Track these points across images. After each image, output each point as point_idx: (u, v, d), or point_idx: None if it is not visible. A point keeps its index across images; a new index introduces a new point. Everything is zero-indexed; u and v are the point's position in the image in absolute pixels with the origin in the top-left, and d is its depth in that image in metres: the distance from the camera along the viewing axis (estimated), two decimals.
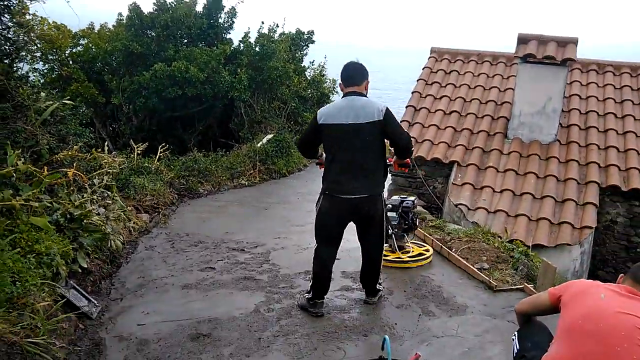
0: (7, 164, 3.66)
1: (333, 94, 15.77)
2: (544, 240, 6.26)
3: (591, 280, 2.59)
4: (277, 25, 12.15)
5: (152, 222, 6.11)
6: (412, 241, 5.35)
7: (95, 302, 3.96)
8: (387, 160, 3.95)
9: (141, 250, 5.26)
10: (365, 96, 3.73)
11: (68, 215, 4.12)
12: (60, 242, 3.83)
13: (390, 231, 4.91)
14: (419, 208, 6.98)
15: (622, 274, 2.56)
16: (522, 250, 5.32)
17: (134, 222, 5.66)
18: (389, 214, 4.78)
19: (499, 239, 5.70)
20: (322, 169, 3.99)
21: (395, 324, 3.85)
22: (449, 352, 3.48)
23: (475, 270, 4.78)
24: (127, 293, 4.27)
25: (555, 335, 2.43)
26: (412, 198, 5.31)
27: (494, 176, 7.27)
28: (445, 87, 8.97)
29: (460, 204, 6.89)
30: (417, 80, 9.26)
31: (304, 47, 14.06)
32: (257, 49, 11.05)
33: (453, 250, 5.35)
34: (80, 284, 4.04)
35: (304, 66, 14.09)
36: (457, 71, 9.27)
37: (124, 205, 5.39)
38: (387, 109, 3.63)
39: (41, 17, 8.20)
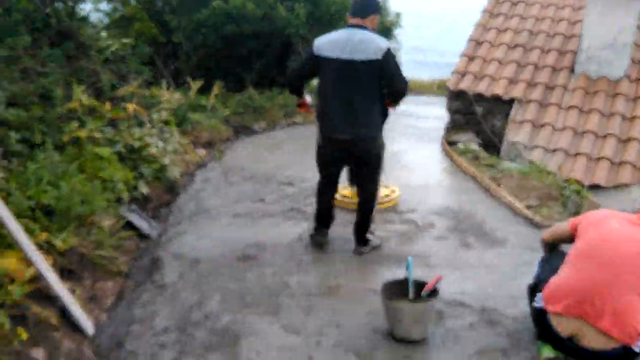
0: (73, 99, 4.00)
1: (397, 27, 15.33)
2: (602, 180, 6.06)
3: (609, 210, 2.63)
4: None
5: (209, 156, 6.46)
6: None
7: (155, 225, 4.36)
8: None
9: (197, 182, 5.61)
10: (368, 30, 3.53)
11: (129, 147, 4.48)
12: (122, 170, 4.20)
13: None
14: (473, 146, 6.93)
15: None
16: (575, 189, 5.21)
17: (190, 156, 6.02)
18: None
19: (552, 176, 5.59)
20: (304, 111, 3.95)
21: (432, 253, 3.99)
22: (481, 279, 3.60)
23: (519, 206, 4.78)
24: (183, 219, 4.64)
25: (566, 259, 2.51)
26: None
27: (555, 113, 7.00)
28: (511, 18, 8.54)
29: (517, 142, 6.74)
30: (482, 12, 8.86)
31: None
32: None
33: (502, 187, 5.34)
34: (141, 209, 4.44)
35: None
36: (524, 1, 8.77)
37: (181, 140, 5.72)
38: (388, 48, 3.44)
39: None
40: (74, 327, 2.93)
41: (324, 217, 4.04)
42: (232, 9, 9.09)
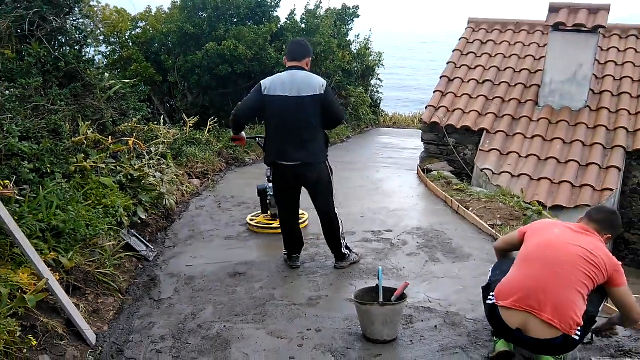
0: (80, 134, 4.44)
1: (379, 66, 16.06)
2: (564, 201, 6.55)
3: (551, 220, 3.08)
4: (320, 2, 12.48)
5: (202, 186, 6.89)
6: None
7: (152, 248, 4.75)
8: None
9: (192, 209, 6.03)
10: (306, 70, 4.03)
11: (129, 177, 4.90)
12: (123, 198, 4.61)
13: (268, 200, 5.19)
14: (445, 173, 7.44)
15: (581, 217, 3.04)
16: (536, 209, 5.69)
17: (186, 186, 6.45)
18: (271, 184, 4.92)
19: (516, 199, 6.07)
20: (240, 144, 4.41)
21: (403, 267, 4.41)
22: (445, 289, 4.02)
23: (484, 225, 5.23)
24: (178, 242, 5.04)
25: (514, 262, 2.95)
26: None
27: (521, 142, 7.55)
28: (480, 56, 9.18)
29: (486, 168, 7.25)
30: (453, 51, 9.50)
31: (349, 22, 14.28)
32: (302, 25, 11.53)
33: (470, 209, 5.80)
34: (139, 234, 4.83)
35: (349, 40, 14.36)
36: (493, 41, 9.44)
37: (177, 171, 6.16)
38: (326, 84, 3.99)
39: (105, 3, 9.10)
40: (78, 336, 3.26)
41: (292, 243, 4.41)
42: (224, 51, 9.68)
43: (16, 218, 3.31)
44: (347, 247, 4.44)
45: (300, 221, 5.06)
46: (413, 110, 18.32)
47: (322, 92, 3.94)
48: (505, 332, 2.89)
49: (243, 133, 4.42)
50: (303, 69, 4.06)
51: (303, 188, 4.25)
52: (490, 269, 3.28)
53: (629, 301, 2.81)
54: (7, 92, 3.85)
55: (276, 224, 5.11)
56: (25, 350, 2.86)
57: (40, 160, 3.85)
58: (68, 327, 3.25)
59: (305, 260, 4.55)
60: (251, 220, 5.42)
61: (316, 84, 3.95)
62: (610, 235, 2.96)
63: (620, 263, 2.81)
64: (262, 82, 4.05)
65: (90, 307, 3.61)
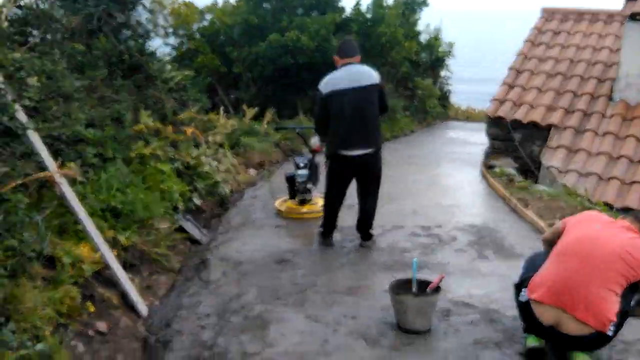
0: (140, 122, 4.74)
1: (449, 57, 15.64)
2: (634, 203, 6.16)
3: (595, 212, 2.96)
4: None
5: (258, 176, 7.09)
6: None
7: (205, 233, 4.99)
8: None
9: (246, 199, 6.23)
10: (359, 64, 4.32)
11: (186, 164, 5.16)
12: (179, 184, 4.87)
13: (296, 187, 5.41)
14: (508, 169, 7.20)
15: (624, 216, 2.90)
16: (601, 210, 5.39)
17: (242, 176, 6.67)
18: (299, 172, 5.40)
19: (580, 198, 5.78)
20: (318, 151, 4.82)
21: (448, 262, 4.36)
22: (489, 286, 3.94)
23: (542, 225, 5.03)
24: (231, 229, 5.24)
25: (550, 255, 2.86)
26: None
27: (591, 139, 7.16)
28: (552, 47, 8.77)
29: (552, 166, 6.94)
30: (524, 42, 9.13)
31: (418, 11, 13.98)
32: (368, 15, 11.48)
33: (530, 207, 5.60)
34: (195, 219, 5.08)
35: (418, 30, 14.06)
36: (566, 31, 8.98)
37: (234, 161, 6.39)
38: (379, 75, 4.32)
39: None
40: (131, 308, 3.54)
41: (332, 225, 4.68)
42: (287, 42, 9.85)
43: (80, 198, 3.60)
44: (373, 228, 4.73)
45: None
46: (486, 105, 17.66)
47: (379, 82, 4.30)
48: (538, 328, 2.82)
49: (318, 142, 4.90)
50: (356, 64, 4.33)
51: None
52: (522, 265, 3.19)
53: None
54: (77, 82, 4.17)
55: (304, 209, 5.45)
56: (84, 315, 3.13)
57: (104, 146, 4.16)
58: (123, 299, 3.51)
59: (350, 251, 4.61)
60: (280, 205, 5.64)
61: (373, 73, 4.30)
62: None
63: None
64: (319, 86, 4.37)
65: (144, 283, 3.87)
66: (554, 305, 2.74)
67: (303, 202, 5.51)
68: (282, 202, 5.74)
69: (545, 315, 2.77)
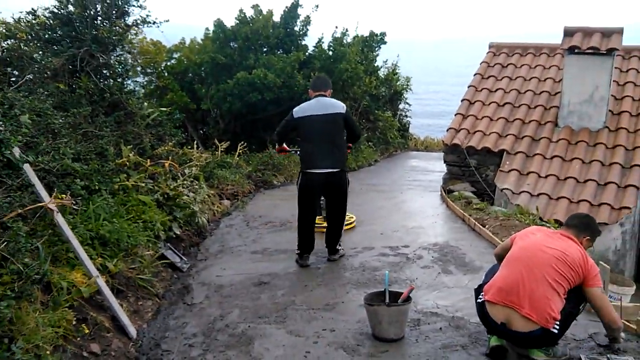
0: (122, 156, 4.99)
1: (407, 91, 16.42)
2: None
3: (536, 226, 3.42)
4: (347, 30, 12.94)
5: (232, 206, 7.35)
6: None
7: (186, 260, 5.20)
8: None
9: (222, 227, 6.48)
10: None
11: (165, 195, 5.40)
12: (160, 214, 5.10)
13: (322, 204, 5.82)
14: (466, 193, 7.70)
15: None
16: (552, 226, 5.89)
17: (217, 206, 6.92)
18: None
19: (531, 217, 6.29)
20: (284, 154, 5.34)
21: (416, 278, 4.72)
22: (454, 297, 4.32)
23: (499, 241, 5.48)
24: (209, 256, 5.47)
25: (502, 264, 3.28)
26: None
27: (540, 162, 7.76)
28: (501, 80, 9.47)
29: (505, 188, 7.48)
30: (474, 75, 9.82)
31: (376, 48, 14.69)
32: (329, 53, 12.04)
33: (486, 226, 6.06)
34: (175, 247, 5.29)
35: (377, 66, 14.75)
36: (513, 64, 9.72)
37: (209, 192, 6.65)
38: (346, 107, 4.95)
39: (142, 37, 9.81)
40: (121, 331, 3.73)
41: (307, 244, 5.07)
42: (255, 79, 10.26)
43: (70, 227, 3.80)
44: (340, 244, 5.25)
45: (347, 222, 5.91)
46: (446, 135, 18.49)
47: (344, 112, 4.91)
48: (493, 327, 3.20)
49: (284, 145, 5.40)
50: (325, 97, 4.99)
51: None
52: (484, 274, 3.59)
53: (603, 303, 3.10)
54: (62, 120, 4.41)
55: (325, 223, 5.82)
56: (78, 338, 3.32)
57: (89, 179, 4.38)
58: (113, 322, 3.70)
59: (325, 272, 4.92)
60: None
61: (339, 104, 4.95)
62: (588, 237, 3.27)
63: (596, 267, 3.11)
64: (293, 109, 5.01)
65: (131, 308, 4.06)
66: (504, 304, 3.12)
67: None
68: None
69: (497, 313, 3.17)
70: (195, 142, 8.38)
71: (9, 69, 5.17)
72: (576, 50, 7.89)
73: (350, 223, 6.19)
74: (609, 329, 3.27)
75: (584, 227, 3.32)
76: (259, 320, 4.00)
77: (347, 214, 6.03)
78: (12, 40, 5.19)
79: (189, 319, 4.06)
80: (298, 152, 5.79)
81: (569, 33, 8.03)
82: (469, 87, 9.54)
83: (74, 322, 3.36)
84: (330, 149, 4.82)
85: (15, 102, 3.85)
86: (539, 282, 3.05)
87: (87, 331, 3.41)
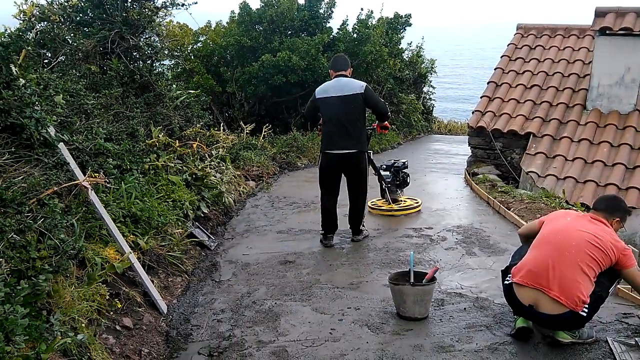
0: (152, 137, 5.09)
1: (431, 73, 16.26)
2: None
3: (565, 210, 3.41)
4: (372, 12, 12.84)
5: (257, 187, 7.46)
6: (408, 197, 6.44)
7: (213, 239, 5.32)
8: (372, 125, 5.27)
9: (248, 208, 6.58)
10: (349, 77, 4.98)
11: (193, 176, 5.51)
12: (188, 193, 5.21)
13: (383, 186, 6.04)
14: (491, 176, 7.65)
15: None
16: (579, 210, 5.84)
17: (242, 187, 7.03)
18: (382, 172, 6.06)
19: (557, 200, 6.23)
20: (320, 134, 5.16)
21: (440, 259, 4.75)
22: (478, 278, 4.33)
23: (525, 223, 5.45)
24: (236, 235, 5.59)
25: (531, 246, 3.28)
26: (404, 160, 6.40)
27: (567, 145, 7.65)
28: (528, 62, 9.31)
29: (531, 171, 7.41)
30: (501, 57, 9.67)
31: (401, 30, 14.53)
32: (354, 35, 11.98)
33: (511, 209, 6.03)
34: (202, 226, 5.42)
35: (402, 48, 14.62)
36: (542, 46, 9.54)
37: (235, 173, 6.75)
38: (366, 85, 4.88)
39: (169, 19, 9.90)
40: (152, 306, 3.86)
41: (330, 225, 5.14)
42: (279, 62, 10.28)
43: (103, 205, 3.93)
44: (363, 225, 5.27)
45: (414, 205, 6.15)
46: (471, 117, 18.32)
47: (363, 91, 4.84)
48: (520, 308, 3.21)
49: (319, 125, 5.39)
50: (346, 77, 5.00)
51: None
52: (511, 255, 3.60)
53: None
54: (94, 100, 4.52)
55: (395, 207, 6.13)
56: (111, 312, 3.45)
57: (121, 159, 4.50)
58: (144, 297, 3.84)
59: (349, 252, 4.98)
60: (372, 204, 6.22)
61: (357, 84, 4.90)
62: (618, 218, 3.25)
63: (629, 247, 3.08)
64: (316, 90, 5.08)
65: (161, 284, 4.19)
66: (532, 286, 3.13)
67: (395, 201, 6.20)
68: (376, 200, 6.37)
69: (525, 295, 3.17)
70: (221, 124, 8.47)
71: (43, 51, 5.30)
72: (607, 32, 7.70)
73: (417, 206, 6.22)
74: None
75: (614, 209, 3.29)
76: (285, 297, 4.10)
77: (414, 199, 6.39)
78: (45, 23, 5.32)
79: (217, 295, 4.18)
80: None
81: (600, 14, 7.84)
82: (495, 69, 9.42)
83: (107, 297, 3.48)
84: (347, 130, 4.85)
85: (49, 83, 3.96)
86: (570, 265, 3.05)
87: (119, 306, 3.54)
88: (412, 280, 3.71)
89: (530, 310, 3.17)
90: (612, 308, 3.71)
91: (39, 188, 3.31)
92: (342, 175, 5.08)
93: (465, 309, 3.84)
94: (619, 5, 7.93)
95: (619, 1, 8.15)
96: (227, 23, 11.86)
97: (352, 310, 3.85)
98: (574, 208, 5.95)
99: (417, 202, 6.30)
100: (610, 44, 7.74)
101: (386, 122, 5.28)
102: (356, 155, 4.91)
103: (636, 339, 3.24)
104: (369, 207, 6.10)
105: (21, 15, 5.41)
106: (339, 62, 5.08)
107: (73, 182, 3.53)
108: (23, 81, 3.56)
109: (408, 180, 6.45)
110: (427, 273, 3.77)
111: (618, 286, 3.65)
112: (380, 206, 6.18)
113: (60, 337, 2.90)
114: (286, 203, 6.79)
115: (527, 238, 3.61)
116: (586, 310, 3.04)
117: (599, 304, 3.16)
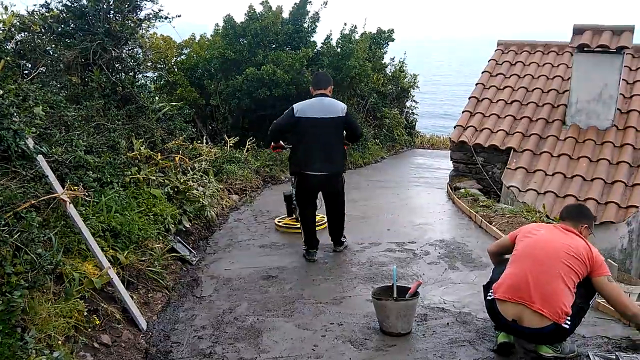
0: (134, 150, 5.03)
1: (413, 88, 16.42)
2: None
3: (537, 223, 3.47)
4: (355, 27, 12.92)
5: (241, 201, 7.40)
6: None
7: (195, 253, 5.25)
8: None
9: (231, 222, 6.52)
10: (329, 97, 4.95)
11: (175, 189, 5.45)
12: (170, 207, 5.15)
13: (293, 205, 5.84)
14: (473, 190, 7.71)
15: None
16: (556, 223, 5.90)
17: (225, 201, 6.97)
18: (294, 191, 5.65)
19: (538, 214, 6.29)
20: (279, 151, 5.46)
21: (423, 274, 4.75)
22: (460, 293, 4.34)
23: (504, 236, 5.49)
24: (218, 249, 5.52)
25: (509, 261, 3.30)
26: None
27: (547, 160, 7.75)
28: (509, 77, 9.44)
29: (512, 186, 7.49)
30: (482, 73, 9.80)
31: (384, 45, 14.66)
32: (337, 50, 12.05)
33: (493, 224, 6.07)
34: (184, 240, 5.35)
35: (384, 63, 14.75)
36: (522, 62, 9.69)
37: (218, 186, 6.70)
38: (346, 108, 4.91)
39: (153, 32, 9.87)
40: (132, 322, 3.79)
41: (311, 240, 5.15)
42: (263, 75, 10.29)
43: (82, 219, 3.86)
44: (344, 236, 5.36)
45: (319, 224, 5.80)
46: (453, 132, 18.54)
47: (344, 114, 4.87)
48: (503, 324, 3.22)
49: (281, 142, 5.31)
50: (327, 96, 4.97)
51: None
52: (492, 271, 3.62)
53: (613, 291, 3.11)
54: (74, 112, 4.46)
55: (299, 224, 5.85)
56: (89, 329, 3.37)
57: (101, 171, 4.43)
58: (124, 314, 3.76)
59: (333, 267, 4.96)
60: (279, 222, 6.15)
61: (339, 107, 4.91)
62: (586, 225, 3.31)
63: (601, 256, 3.14)
64: (294, 106, 4.94)
65: (141, 299, 4.11)
66: (514, 301, 3.15)
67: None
68: (281, 219, 6.28)
69: (508, 310, 3.18)
70: (204, 137, 8.42)
71: (22, 62, 5.22)
72: (585, 49, 7.86)
73: (320, 224, 5.74)
74: (625, 316, 3.29)
75: (580, 216, 3.38)
76: (267, 313, 4.05)
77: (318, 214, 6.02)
78: (25, 33, 5.25)
79: (198, 312, 4.12)
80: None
81: (578, 31, 8.01)
82: (476, 84, 9.53)
83: (85, 313, 3.40)
84: (328, 152, 4.85)
85: (29, 94, 3.90)
86: (549, 277, 3.08)
87: (98, 322, 3.47)
88: (395, 294, 3.70)
89: (513, 325, 3.18)
90: (592, 323, 3.74)
91: (16, 201, 3.24)
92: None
93: (448, 323, 3.83)
94: (595, 23, 8.11)
95: (595, 19, 8.36)
96: (211, 36, 11.85)
97: (335, 326, 3.82)
98: (554, 222, 6.01)
99: (322, 218, 5.82)
100: (588, 61, 7.90)
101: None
102: (335, 177, 4.97)
103: (617, 353, 3.27)
104: (275, 224, 6.16)
105: (0, 25, 5.34)
106: (321, 79, 5.07)
107: (51, 195, 3.46)
108: (1, 92, 3.50)
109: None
110: (409, 288, 3.77)
111: (597, 300, 3.68)
112: (291, 224, 6.09)
113: (35, 356, 2.84)
114: (269, 217, 6.74)
115: (499, 255, 3.65)
116: (569, 323, 3.07)
117: (581, 315, 3.19)
